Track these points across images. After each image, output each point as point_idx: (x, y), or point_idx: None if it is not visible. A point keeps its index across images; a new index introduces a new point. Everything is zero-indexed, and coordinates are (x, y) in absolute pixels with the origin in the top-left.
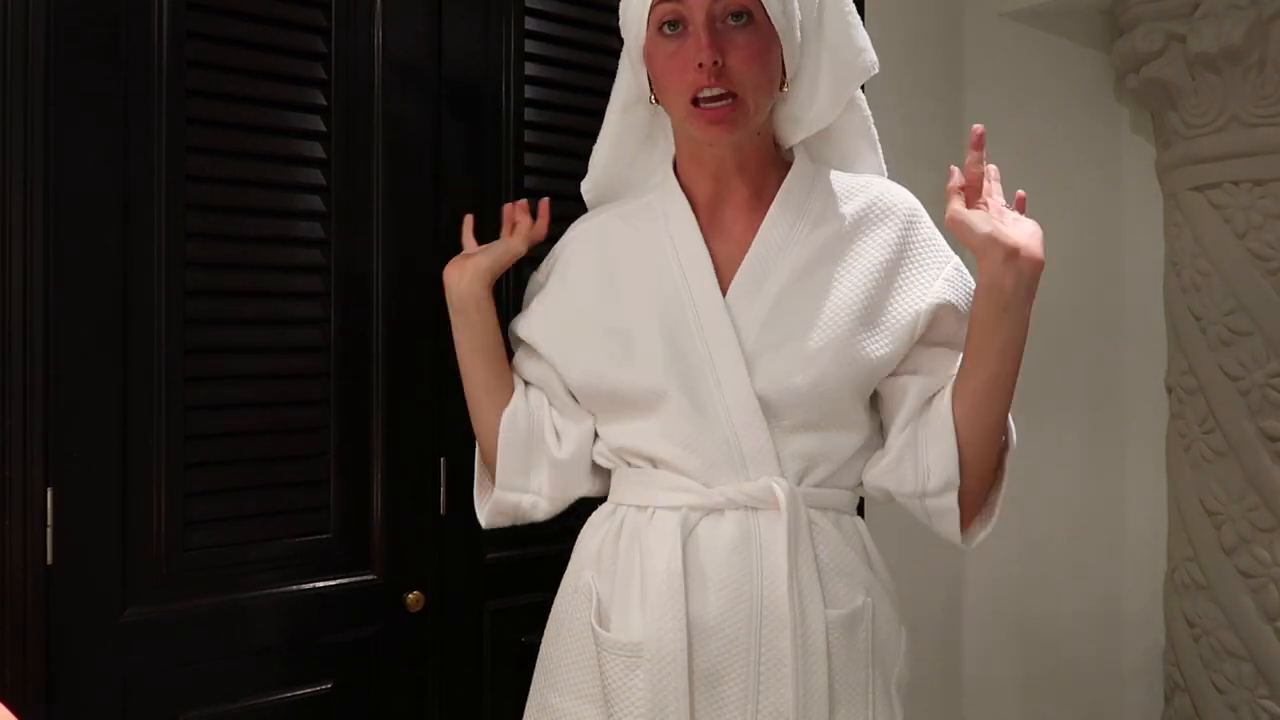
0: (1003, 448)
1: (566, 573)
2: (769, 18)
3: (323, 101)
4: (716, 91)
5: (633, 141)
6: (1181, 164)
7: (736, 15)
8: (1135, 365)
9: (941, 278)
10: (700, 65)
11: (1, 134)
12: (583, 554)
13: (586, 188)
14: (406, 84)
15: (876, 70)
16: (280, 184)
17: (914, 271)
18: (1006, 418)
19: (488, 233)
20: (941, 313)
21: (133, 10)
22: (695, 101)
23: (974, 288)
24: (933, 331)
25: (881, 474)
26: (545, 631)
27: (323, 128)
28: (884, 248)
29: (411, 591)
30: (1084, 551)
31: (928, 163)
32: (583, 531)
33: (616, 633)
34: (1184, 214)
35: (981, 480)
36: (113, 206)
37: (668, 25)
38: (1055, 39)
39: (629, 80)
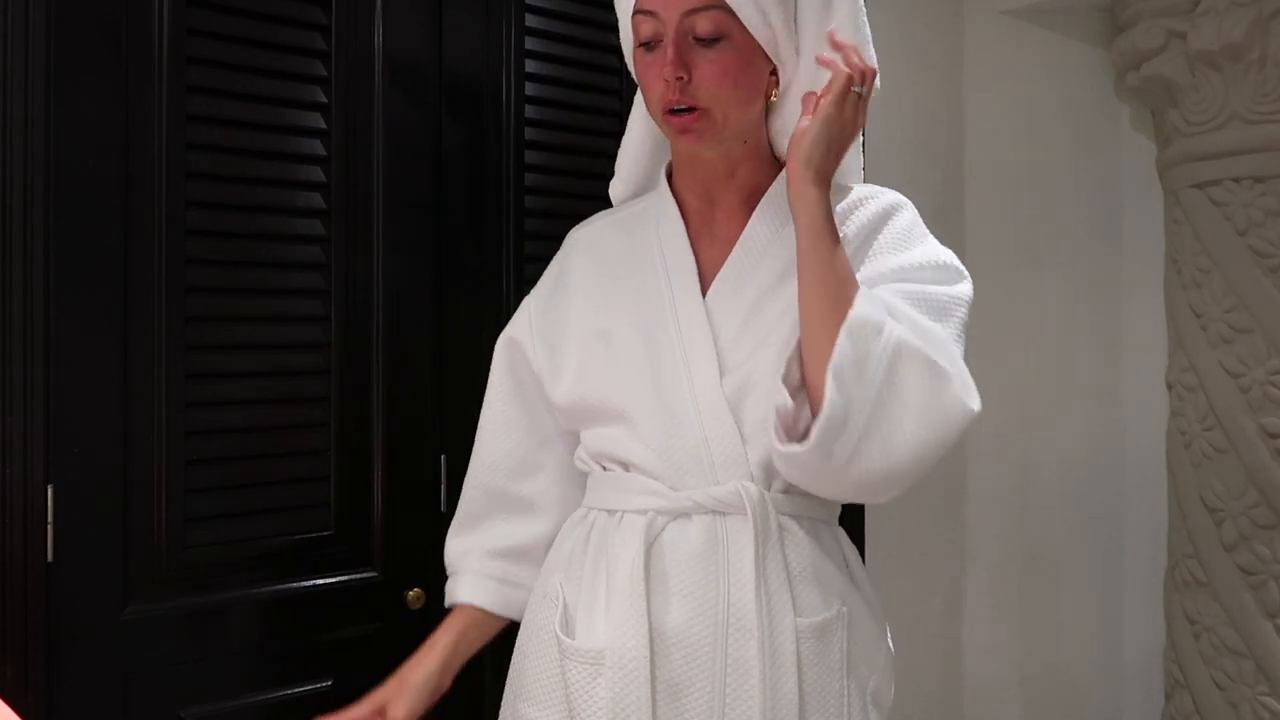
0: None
1: (538, 579)
2: (749, 33)
3: (323, 99)
4: (682, 107)
5: (653, 138)
6: (1182, 161)
7: (706, 39)
8: (1135, 362)
9: (903, 259)
10: (665, 81)
11: (2, 134)
12: (554, 559)
13: (615, 188)
14: (407, 81)
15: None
16: (281, 181)
17: (879, 258)
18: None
19: (484, 231)
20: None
21: (133, 7)
22: (669, 111)
23: (953, 286)
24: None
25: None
26: (517, 638)
27: (323, 125)
28: (858, 245)
29: (412, 589)
30: (1085, 547)
31: (928, 161)
32: (557, 537)
33: (580, 639)
34: (1184, 211)
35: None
36: (113, 204)
37: (643, 45)
38: (1055, 36)
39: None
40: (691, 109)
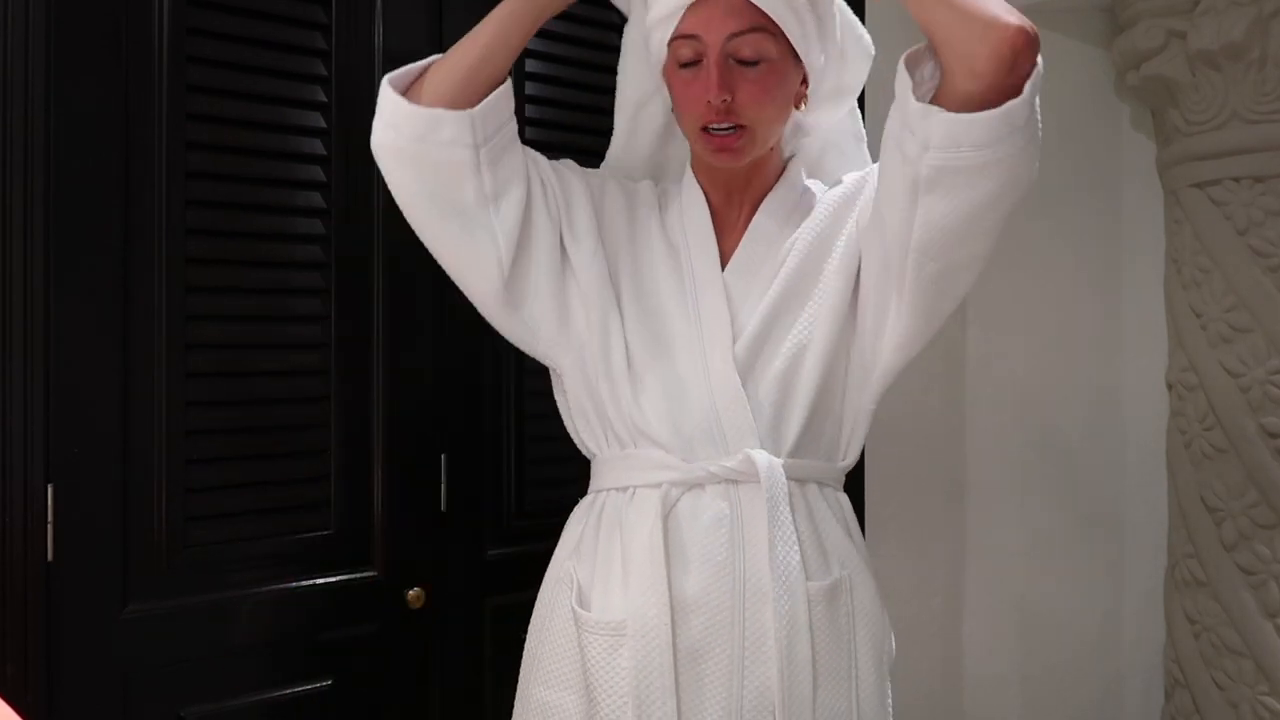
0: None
1: (549, 566)
2: (791, 47)
3: (323, 98)
4: (724, 125)
5: (646, 137)
6: (1182, 160)
7: (748, 58)
8: (1135, 362)
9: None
10: (709, 102)
11: (2, 134)
12: (564, 545)
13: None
14: None
15: (873, 51)
16: (281, 180)
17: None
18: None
19: None
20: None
21: (133, 7)
22: (705, 129)
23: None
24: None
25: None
26: (529, 626)
27: (323, 124)
28: (848, 214)
29: (412, 588)
30: (1085, 547)
31: None
32: (566, 525)
33: (598, 613)
34: (1184, 210)
35: (983, 60)
36: (113, 203)
37: (684, 65)
38: (1055, 36)
39: (641, 76)
40: (731, 131)
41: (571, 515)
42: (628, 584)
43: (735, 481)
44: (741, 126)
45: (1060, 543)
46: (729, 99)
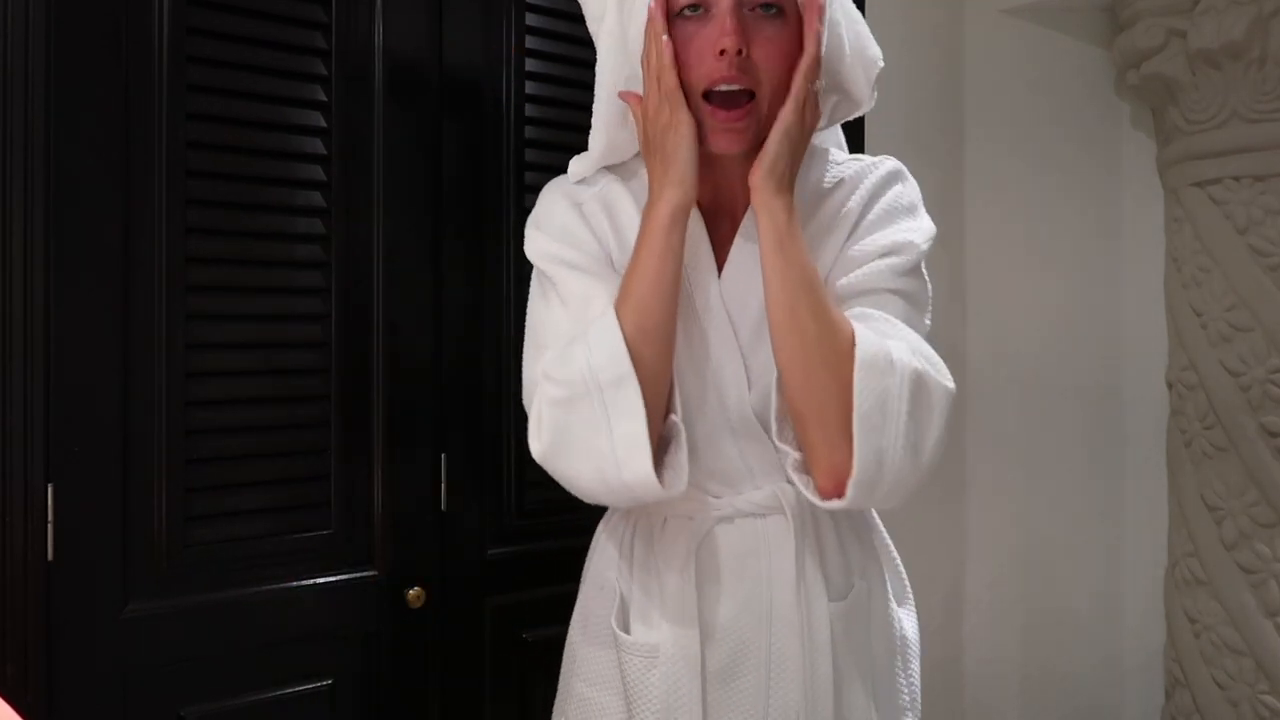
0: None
1: (589, 569)
2: (798, 11)
3: (323, 97)
4: (735, 88)
5: (629, 130)
6: (1182, 159)
7: (767, 5)
8: (1135, 361)
9: (891, 236)
10: (722, 52)
11: (2, 133)
12: (605, 555)
13: (576, 169)
14: (407, 79)
15: (882, 63)
16: (281, 180)
17: (871, 232)
18: (813, 353)
19: (485, 231)
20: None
21: (133, 7)
22: (709, 96)
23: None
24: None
25: None
26: (572, 620)
27: (323, 124)
28: (852, 218)
29: (412, 587)
30: (1085, 546)
31: (928, 160)
32: (600, 534)
33: (636, 635)
34: (1184, 209)
35: (824, 428)
36: (113, 203)
37: (688, 8)
38: (1056, 35)
39: (618, 62)
40: (741, 99)
41: (607, 526)
42: (663, 611)
43: (762, 515)
44: (750, 96)
45: (1060, 542)
46: (744, 51)
